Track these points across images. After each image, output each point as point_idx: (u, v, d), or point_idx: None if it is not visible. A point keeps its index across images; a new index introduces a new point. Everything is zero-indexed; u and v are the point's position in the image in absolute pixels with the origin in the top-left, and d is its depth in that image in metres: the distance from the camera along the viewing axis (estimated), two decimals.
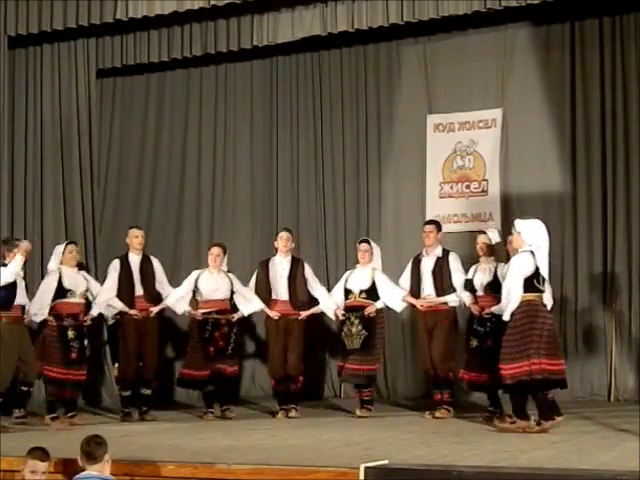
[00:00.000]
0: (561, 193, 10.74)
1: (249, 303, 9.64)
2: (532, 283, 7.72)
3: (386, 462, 5.98)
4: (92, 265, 11.22)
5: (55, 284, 9.28)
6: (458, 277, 9.18)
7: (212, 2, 10.12)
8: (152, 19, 10.49)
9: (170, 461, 6.42)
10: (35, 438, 7.34)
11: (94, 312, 9.54)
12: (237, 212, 12.11)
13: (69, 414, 9.26)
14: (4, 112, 10.70)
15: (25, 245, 8.81)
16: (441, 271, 9.27)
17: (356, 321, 9.36)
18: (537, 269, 7.73)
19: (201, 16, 10.64)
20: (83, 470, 5.52)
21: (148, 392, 9.65)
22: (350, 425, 8.80)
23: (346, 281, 9.57)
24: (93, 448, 5.48)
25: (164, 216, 12.22)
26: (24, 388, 9.09)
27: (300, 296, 9.62)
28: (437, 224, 9.59)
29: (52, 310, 9.25)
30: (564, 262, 10.48)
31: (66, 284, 9.31)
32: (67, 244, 9.60)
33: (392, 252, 11.02)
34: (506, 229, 10.11)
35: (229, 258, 10.14)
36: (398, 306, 9.51)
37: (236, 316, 9.63)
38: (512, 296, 7.70)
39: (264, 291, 9.65)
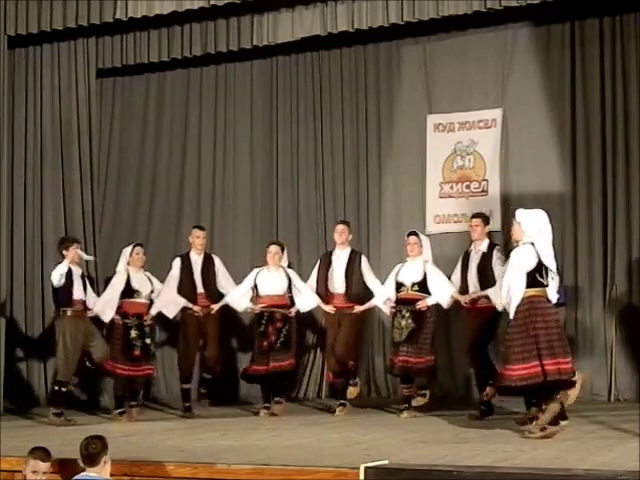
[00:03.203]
0: (561, 193, 10.74)
1: (304, 299, 9.72)
2: (534, 277, 7.43)
3: (386, 462, 5.99)
4: (92, 265, 11.23)
5: (122, 284, 9.72)
6: (498, 271, 8.86)
7: (212, 2, 10.12)
8: (152, 19, 10.49)
9: (170, 461, 6.43)
10: (35, 438, 7.34)
11: (153, 311, 9.82)
12: (237, 211, 12.11)
13: (131, 403, 9.68)
14: (4, 112, 10.71)
15: (71, 254, 9.51)
16: (485, 266, 9.06)
17: (407, 314, 9.27)
18: (540, 262, 7.45)
19: (201, 16, 10.64)
20: (83, 470, 5.54)
21: (209, 376, 10.04)
22: (350, 425, 8.81)
23: (397, 274, 9.46)
24: (91, 451, 5.50)
25: (164, 215, 12.24)
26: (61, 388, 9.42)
27: (355, 289, 9.62)
28: (484, 217, 9.39)
29: (119, 309, 9.67)
30: (564, 262, 10.46)
31: (134, 285, 9.73)
32: (134, 246, 9.96)
33: (392, 252, 11.00)
34: (506, 229, 10.14)
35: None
36: (445, 302, 9.32)
37: (293, 311, 9.71)
38: (513, 292, 7.41)
39: (323, 284, 9.70)
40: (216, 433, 8.26)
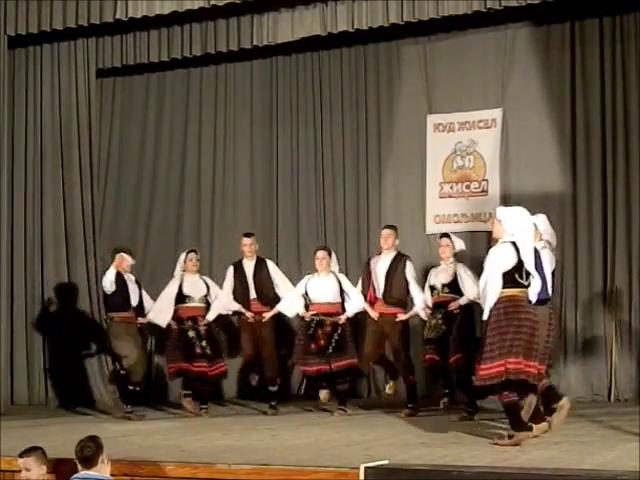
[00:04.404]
0: (561, 193, 10.74)
1: (352, 303, 9.67)
2: (513, 277, 7.00)
3: (386, 462, 5.98)
4: (92, 265, 11.24)
5: (175, 290, 9.97)
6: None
7: (212, 2, 10.12)
8: (152, 19, 10.49)
9: (170, 461, 6.42)
10: (35, 438, 7.33)
11: (210, 317, 9.97)
12: (237, 211, 12.12)
13: (202, 407, 9.92)
14: (4, 112, 10.71)
15: (118, 258, 9.74)
16: None
17: (438, 316, 9.18)
18: (520, 262, 7.02)
19: (201, 16, 10.64)
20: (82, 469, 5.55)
21: (274, 389, 10.01)
22: (350, 425, 8.80)
23: (430, 278, 9.38)
24: (86, 453, 5.50)
25: (164, 215, 12.24)
26: (130, 387, 9.79)
27: (395, 293, 9.49)
28: None
29: (175, 313, 9.93)
30: (564, 262, 10.46)
31: (185, 290, 9.94)
32: (188, 252, 10.15)
33: None
34: None
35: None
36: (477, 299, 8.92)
37: (342, 318, 9.64)
38: (488, 292, 7.04)
39: (367, 289, 9.63)
40: (216, 433, 8.25)
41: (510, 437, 7.05)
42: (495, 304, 7.04)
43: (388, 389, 9.70)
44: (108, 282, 9.68)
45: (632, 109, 10.41)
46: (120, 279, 9.72)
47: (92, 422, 9.43)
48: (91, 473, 5.49)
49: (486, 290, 7.07)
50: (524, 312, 7.06)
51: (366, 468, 5.75)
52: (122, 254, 9.83)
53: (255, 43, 10.75)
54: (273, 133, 12.11)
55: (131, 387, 9.77)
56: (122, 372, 9.75)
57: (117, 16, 10.34)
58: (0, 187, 10.64)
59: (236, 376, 11.20)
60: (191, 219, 12.19)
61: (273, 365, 10.02)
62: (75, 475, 5.53)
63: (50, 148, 11.31)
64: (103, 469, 5.53)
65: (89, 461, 5.49)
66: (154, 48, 11.14)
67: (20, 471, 5.81)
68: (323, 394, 9.70)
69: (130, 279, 9.91)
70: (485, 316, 7.08)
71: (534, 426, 7.27)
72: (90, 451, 5.50)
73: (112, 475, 5.66)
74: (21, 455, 5.78)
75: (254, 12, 10.56)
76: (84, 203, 11.33)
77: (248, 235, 10.18)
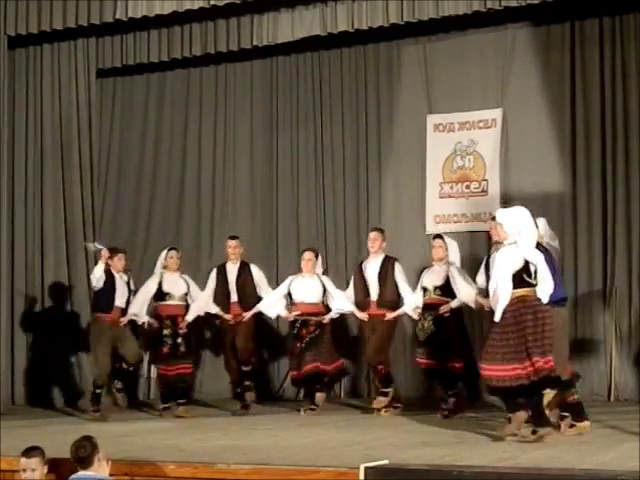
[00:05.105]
0: (561, 193, 10.74)
1: (338, 305, 9.69)
2: (522, 278, 7.17)
3: (386, 462, 5.98)
4: (92, 265, 11.23)
5: (154, 287, 9.93)
6: None
7: (212, 2, 10.12)
8: (152, 19, 10.50)
9: (170, 461, 6.42)
10: (34, 438, 7.33)
11: (189, 317, 9.93)
12: (237, 212, 12.12)
13: (179, 401, 9.90)
14: (4, 112, 10.71)
15: (103, 252, 9.73)
16: None
17: (429, 318, 9.16)
18: (527, 262, 7.17)
19: (201, 16, 10.64)
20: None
21: (247, 369, 10.00)
22: (350, 425, 8.81)
23: (422, 279, 9.35)
24: (81, 454, 5.49)
25: (164, 216, 12.26)
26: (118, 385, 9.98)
27: (388, 296, 9.51)
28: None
29: (155, 311, 9.93)
30: (564, 262, 10.45)
31: (165, 287, 9.91)
32: (168, 250, 10.14)
33: (392, 252, 10.98)
34: None
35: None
36: (472, 302, 8.76)
37: (327, 317, 9.68)
38: (500, 294, 7.14)
39: (360, 292, 9.64)
40: (216, 433, 8.25)
41: (534, 433, 7.13)
42: (507, 305, 7.17)
43: (376, 403, 9.61)
44: (94, 278, 9.72)
45: (632, 109, 10.42)
46: (110, 278, 9.73)
47: (91, 422, 9.41)
48: (88, 473, 5.48)
49: (497, 293, 7.19)
50: (538, 310, 7.19)
51: (366, 468, 5.75)
52: (117, 257, 9.82)
53: (255, 43, 10.76)
54: (273, 133, 12.11)
55: (96, 390, 9.75)
56: (97, 391, 9.73)
57: (117, 16, 10.34)
58: (0, 187, 10.64)
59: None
60: (191, 219, 12.19)
61: (247, 349, 9.98)
62: (73, 475, 5.53)
63: (50, 148, 11.31)
64: (101, 469, 5.52)
65: (84, 461, 5.49)
66: (154, 48, 11.15)
67: (19, 471, 5.80)
68: (318, 396, 9.75)
69: (122, 279, 9.89)
70: (497, 318, 7.20)
71: (577, 424, 7.44)
72: (85, 451, 5.50)
73: (112, 475, 5.67)
74: (27, 456, 5.76)
75: (254, 12, 10.57)
76: (84, 203, 11.34)
77: (233, 238, 10.24)
